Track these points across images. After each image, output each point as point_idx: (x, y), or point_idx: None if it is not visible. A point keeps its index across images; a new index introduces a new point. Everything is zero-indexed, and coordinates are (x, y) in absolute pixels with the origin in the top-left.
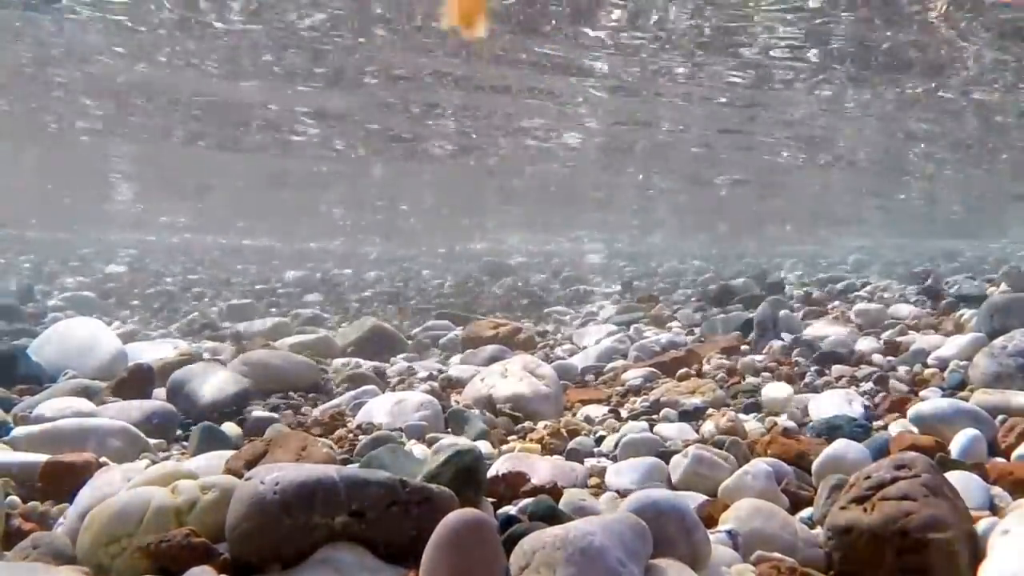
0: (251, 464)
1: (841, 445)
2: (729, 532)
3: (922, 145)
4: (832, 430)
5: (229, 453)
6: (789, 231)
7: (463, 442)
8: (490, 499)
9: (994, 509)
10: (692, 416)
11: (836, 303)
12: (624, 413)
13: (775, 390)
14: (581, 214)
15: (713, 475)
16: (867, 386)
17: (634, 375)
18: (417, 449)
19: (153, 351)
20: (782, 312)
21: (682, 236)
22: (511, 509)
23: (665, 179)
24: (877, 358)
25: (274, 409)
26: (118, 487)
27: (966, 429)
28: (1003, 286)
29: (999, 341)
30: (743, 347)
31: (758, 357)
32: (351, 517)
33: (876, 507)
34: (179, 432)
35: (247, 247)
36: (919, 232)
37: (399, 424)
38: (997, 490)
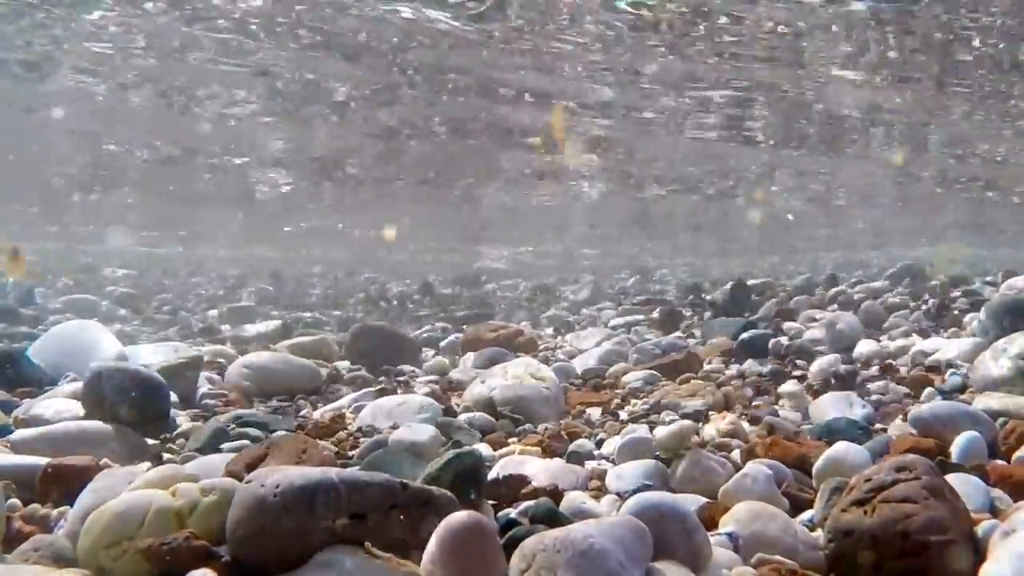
0: (251, 467)
1: (841, 447)
2: (729, 535)
3: None
4: (832, 432)
5: (230, 456)
6: None
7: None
8: (491, 501)
9: (995, 511)
10: (693, 419)
11: (834, 306)
12: (624, 416)
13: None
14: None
15: (712, 478)
16: (867, 388)
17: (634, 377)
18: None
19: (153, 354)
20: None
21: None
22: (511, 512)
23: None
24: (877, 360)
25: (274, 411)
26: (118, 490)
27: (966, 431)
28: (1002, 288)
29: (999, 343)
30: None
31: (755, 361)
32: (351, 519)
33: (876, 509)
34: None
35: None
36: None
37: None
38: (997, 492)
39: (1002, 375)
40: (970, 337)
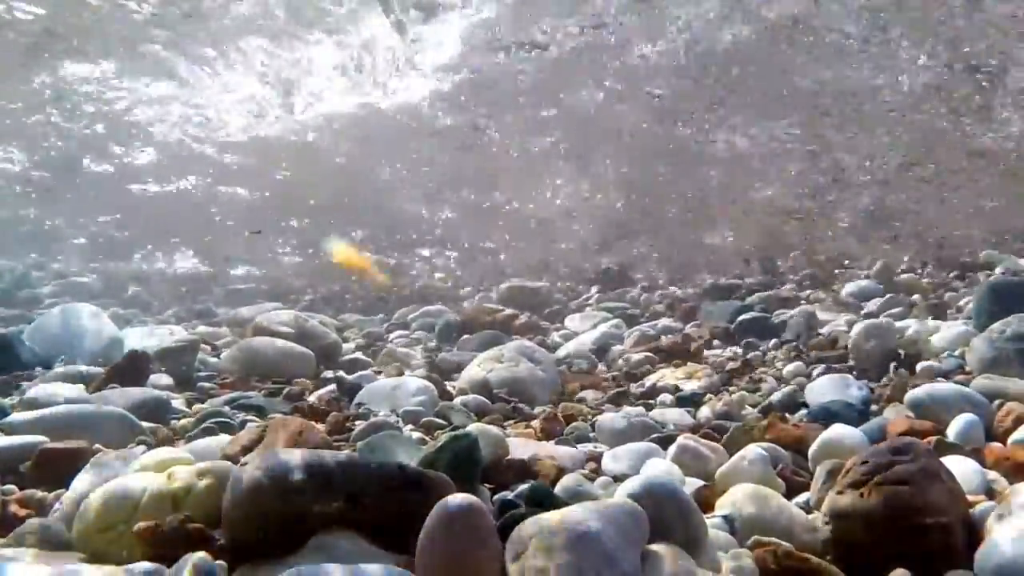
0: (247, 450)
1: (838, 430)
2: (726, 517)
3: None
4: (829, 414)
5: (226, 438)
6: None
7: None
8: (487, 484)
9: (991, 493)
10: (689, 401)
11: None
12: (621, 398)
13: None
14: None
15: (708, 461)
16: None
17: (631, 360)
18: (414, 434)
19: (149, 337)
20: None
21: None
22: (508, 494)
23: None
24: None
25: (270, 395)
26: (114, 473)
27: (963, 414)
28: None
29: (997, 326)
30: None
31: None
32: (347, 503)
33: (873, 492)
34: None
35: None
36: None
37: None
38: (994, 474)
39: (998, 357)
40: (967, 319)
